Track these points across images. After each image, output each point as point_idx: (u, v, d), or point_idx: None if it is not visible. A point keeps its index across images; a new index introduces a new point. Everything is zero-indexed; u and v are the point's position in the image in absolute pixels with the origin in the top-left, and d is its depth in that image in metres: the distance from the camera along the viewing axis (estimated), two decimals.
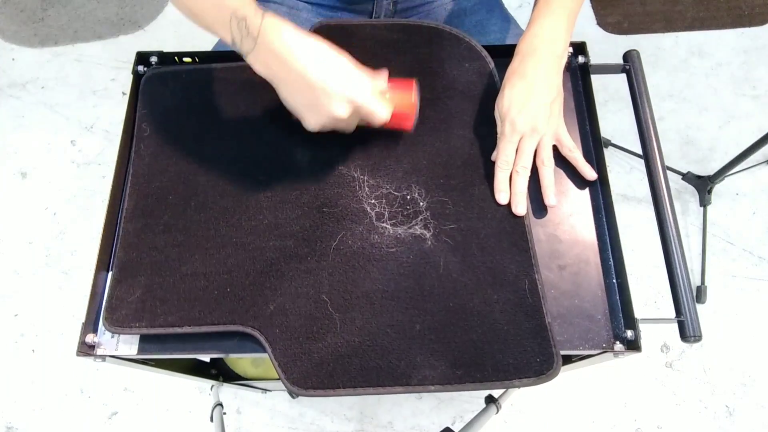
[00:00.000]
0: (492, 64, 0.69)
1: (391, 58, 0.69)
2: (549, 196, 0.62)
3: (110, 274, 0.59)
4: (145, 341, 0.58)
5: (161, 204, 0.62)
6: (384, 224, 0.61)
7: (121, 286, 0.58)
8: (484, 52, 0.69)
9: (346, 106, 0.56)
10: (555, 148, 0.64)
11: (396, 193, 0.62)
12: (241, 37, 0.56)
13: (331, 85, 0.54)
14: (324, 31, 0.70)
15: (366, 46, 0.69)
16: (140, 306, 0.57)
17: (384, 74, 0.59)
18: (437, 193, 0.62)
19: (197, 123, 0.66)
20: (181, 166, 0.64)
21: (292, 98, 0.58)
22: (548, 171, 0.62)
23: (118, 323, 0.56)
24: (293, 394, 0.56)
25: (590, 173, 0.63)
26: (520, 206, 0.61)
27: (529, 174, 0.62)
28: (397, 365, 0.54)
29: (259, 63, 0.57)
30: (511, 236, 0.60)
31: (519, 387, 0.54)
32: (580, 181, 0.64)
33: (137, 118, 0.67)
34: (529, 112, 0.62)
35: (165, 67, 0.70)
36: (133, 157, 0.65)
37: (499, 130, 0.64)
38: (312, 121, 0.58)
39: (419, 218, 0.61)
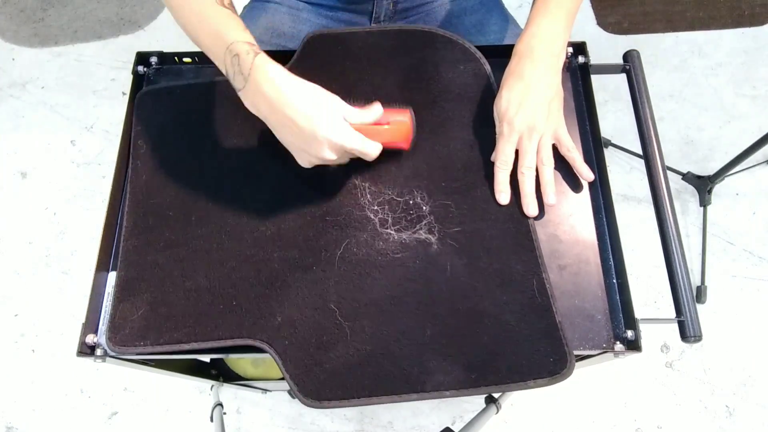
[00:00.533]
0: (487, 65, 0.68)
1: (385, 64, 0.69)
2: (549, 195, 0.62)
3: (111, 293, 0.59)
4: None
5: (161, 220, 0.61)
6: (388, 230, 0.60)
7: (123, 305, 0.57)
8: (479, 54, 0.69)
9: (335, 151, 0.56)
10: (555, 148, 0.64)
11: (398, 199, 0.62)
12: (233, 73, 0.56)
13: (320, 133, 0.54)
14: (317, 41, 0.70)
15: (360, 54, 0.69)
16: (144, 324, 0.56)
17: (377, 106, 0.59)
18: (439, 196, 0.62)
19: (193, 138, 0.66)
20: (180, 181, 0.63)
21: (282, 138, 0.58)
22: (548, 170, 0.62)
23: (123, 343, 0.55)
24: (292, 395, 0.55)
25: (588, 174, 0.63)
26: (532, 207, 0.61)
27: (534, 174, 0.62)
28: (411, 372, 0.54)
29: (248, 102, 0.57)
30: (515, 236, 0.60)
31: (534, 388, 0.54)
32: (579, 181, 0.64)
33: (132, 135, 0.66)
34: (526, 111, 0.62)
35: (158, 84, 0.70)
36: (130, 174, 0.64)
37: (497, 130, 0.64)
38: (303, 161, 0.59)
39: (423, 223, 0.61)
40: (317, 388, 0.53)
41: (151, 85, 0.70)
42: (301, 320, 0.56)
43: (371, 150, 0.57)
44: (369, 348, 0.55)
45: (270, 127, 0.58)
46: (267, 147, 0.65)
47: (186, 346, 0.55)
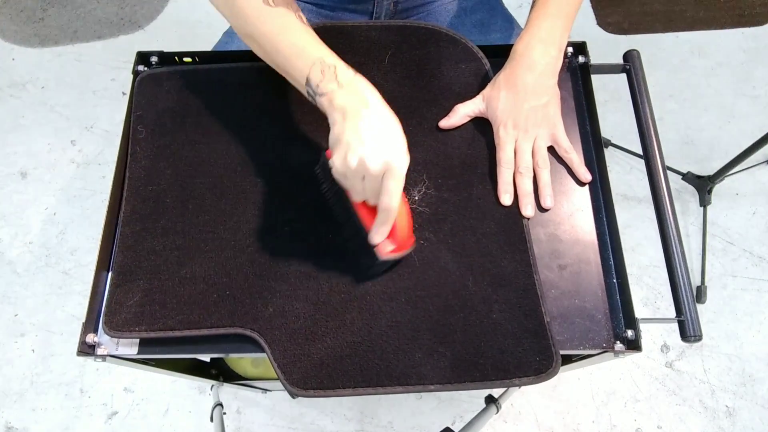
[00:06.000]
0: (488, 66, 0.69)
1: (387, 59, 0.69)
2: (545, 198, 0.62)
3: (109, 278, 0.59)
4: (146, 341, 0.58)
5: (159, 207, 0.62)
6: None
7: (120, 291, 0.58)
8: (480, 54, 0.69)
9: (378, 173, 0.50)
10: (553, 150, 0.64)
11: None
12: (321, 79, 0.54)
13: (393, 154, 0.51)
14: (320, 33, 0.70)
15: (363, 48, 0.69)
16: (139, 310, 0.57)
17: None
18: (435, 193, 0.62)
19: (193, 124, 0.66)
20: (178, 168, 0.64)
21: (355, 128, 0.51)
22: (544, 173, 0.63)
23: (118, 328, 0.56)
24: (293, 395, 0.56)
25: (585, 175, 0.63)
26: (529, 207, 0.61)
27: (532, 174, 0.63)
28: (397, 365, 0.54)
29: (334, 100, 0.53)
30: (509, 236, 0.60)
31: (519, 386, 0.55)
32: (579, 180, 0.64)
33: (132, 120, 0.67)
34: (520, 115, 0.62)
35: (159, 68, 0.70)
36: (129, 160, 0.64)
37: (494, 134, 0.64)
38: (347, 160, 0.51)
39: (417, 218, 0.61)
40: (304, 377, 0.54)
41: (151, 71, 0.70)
42: (293, 311, 0.57)
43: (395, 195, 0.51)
44: (357, 340, 0.55)
45: (347, 118, 0.52)
46: (266, 137, 0.65)
47: (179, 333, 0.56)
